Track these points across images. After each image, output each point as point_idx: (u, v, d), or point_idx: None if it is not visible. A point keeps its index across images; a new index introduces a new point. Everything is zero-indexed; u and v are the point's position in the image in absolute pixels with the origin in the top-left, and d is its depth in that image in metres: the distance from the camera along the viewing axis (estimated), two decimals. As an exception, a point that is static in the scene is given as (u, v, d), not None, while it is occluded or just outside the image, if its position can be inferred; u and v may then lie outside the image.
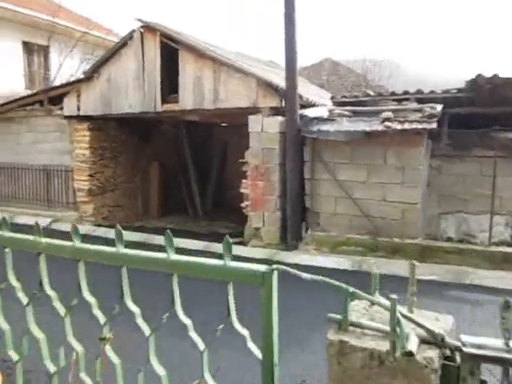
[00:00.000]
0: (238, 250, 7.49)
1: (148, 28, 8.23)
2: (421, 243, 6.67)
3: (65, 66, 16.46)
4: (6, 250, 1.51)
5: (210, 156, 12.23)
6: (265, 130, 7.41)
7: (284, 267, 1.21)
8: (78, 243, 1.37)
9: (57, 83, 15.34)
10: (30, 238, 1.44)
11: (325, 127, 6.96)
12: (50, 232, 9.02)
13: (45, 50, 17.88)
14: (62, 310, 1.47)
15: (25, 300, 1.51)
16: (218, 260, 1.31)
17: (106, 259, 1.41)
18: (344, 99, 8.19)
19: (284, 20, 7.34)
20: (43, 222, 9.58)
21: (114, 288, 1.52)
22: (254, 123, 7.48)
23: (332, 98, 8.62)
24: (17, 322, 1.72)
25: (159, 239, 8.17)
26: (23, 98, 10.30)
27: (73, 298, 1.44)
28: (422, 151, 6.67)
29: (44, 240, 1.42)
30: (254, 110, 7.47)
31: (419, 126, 6.44)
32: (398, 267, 6.05)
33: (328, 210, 7.27)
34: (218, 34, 36.14)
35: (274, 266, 1.17)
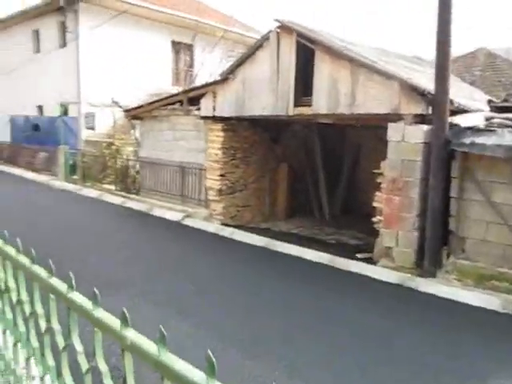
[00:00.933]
0: (366, 269, 6.91)
1: (284, 28, 7.95)
2: None
3: (206, 64, 17.17)
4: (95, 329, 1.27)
5: (341, 158, 11.64)
6: (406, 139, 6.60)
7: None
8: (163, 354, 1.03)
9: (199, 80, 16.13)
10: (116, 326, 1.16)
11: (480, 140, 5.91)
12: (180, 227, 9.49)
13: (190, 49, 18.95)
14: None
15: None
16: None
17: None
18: (506, 103, 6.94)
19: (438, 4, 6.38)
20: (176, 216, 10.09)
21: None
22: (394, 132, 6.72)
23: (489, 101, 7.38)
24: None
25: (282, 246, 7.97)
26: (166, 98, 10.92)
27: None
28: None
29: (130, 334, 1.12)
30: (395, 117, 6.71)
31: None
32: None
33: (477, 236, 6.23)
34: (354, 27, 34.74)
35: None
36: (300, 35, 7.74)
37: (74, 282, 1.40)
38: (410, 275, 6.49)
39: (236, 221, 9.79)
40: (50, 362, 1.64)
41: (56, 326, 1.55)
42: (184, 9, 18.07)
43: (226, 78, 9.02)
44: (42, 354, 1.66)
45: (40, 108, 20.06)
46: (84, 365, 1.36)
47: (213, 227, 9.34)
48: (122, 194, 12.45)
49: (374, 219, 7.18)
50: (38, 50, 19.85)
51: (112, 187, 13.24)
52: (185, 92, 10.18)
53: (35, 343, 1.76)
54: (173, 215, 10.21)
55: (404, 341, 4.63)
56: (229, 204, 9.75)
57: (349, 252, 7.88)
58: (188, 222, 9.81)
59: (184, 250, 7.85)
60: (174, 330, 4.27)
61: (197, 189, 10.36)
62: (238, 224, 9.66)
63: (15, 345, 1.88)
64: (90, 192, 13.13)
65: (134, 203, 11.51)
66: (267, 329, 4.77)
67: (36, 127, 18.78)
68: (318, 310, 5.33)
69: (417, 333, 4.83)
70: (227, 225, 9.48)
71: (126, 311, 1.13)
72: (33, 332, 1.76)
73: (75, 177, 14.73)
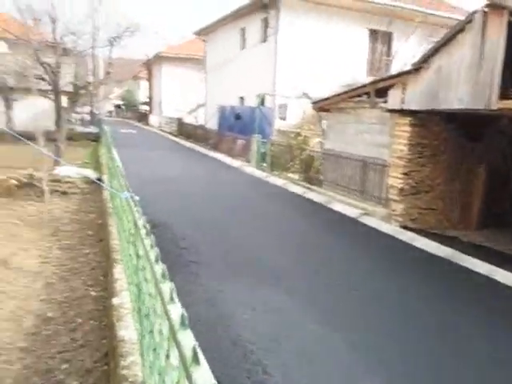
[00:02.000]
0: None
1: (494, 7, 6.74)
2: None
3: (404, 51, 16.08)
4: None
5: None
6: None
7: None
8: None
9: (395, 70, 15.22)
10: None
11: None
12: (356, 224, 9.14)
13: (387, 37, 18.01)
14: None
15: None
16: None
17: None
18: None
19: None
20: (353, 213, 9.76)
21: None
22: None
23: None
24: None
25: (469, 262, 6.93)
26: (353, 89, 10.57)
27: None
28: None
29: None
30: None
31: None
32: None
33: None
34: None
35: None
36: (514, 13, 6.45)
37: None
38: None
39: (417, 224, 8.93)
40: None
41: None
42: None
43: (418, 67, 8.20)
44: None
45: (242, 99, 21.92)
46: None
47: (390, 229, 8.74)
48: (305, 184, 12.70)
49: None
50: (243, 47, 21.62)
51: (296, 177, 13.64)
52: (372, 83, 9.66)
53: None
54: (350, 211, 9.92)
55: None
56: (410, 205, 8.95)
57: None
58: (365, 219, 9.39)
59: (354, 249, 7.52)
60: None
61: (377, 186, 9.82)
62: (418, 227, 8.81)
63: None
64: (276, 180, 13.77)
65: (315, 195, 11.60)
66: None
67: (238, 116, 20.58)
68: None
69: None
70: (406, 227, 8.74)
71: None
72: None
73: (264, 164, 15.66)
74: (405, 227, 8.74)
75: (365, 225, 9.13)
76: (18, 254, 6.34)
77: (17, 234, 7.19)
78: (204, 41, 27.62)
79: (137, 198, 3.29)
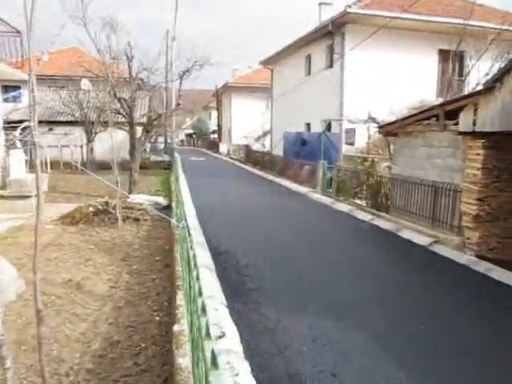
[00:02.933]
0: None
1: None
2: None
3: (477, 70, 15.35)
4: None
5: None
6: None
7: None
8: None
9: (466, 91, 14.56)
10: None
11: None
12: (428, 254, 8.65)
13: (459, 56, 17.30)
14: None
15: None
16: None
17: None
18: None
19: None
20: (424, 240, 9.28)
21: None
22: None
23: None
24: None
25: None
26: (420, 112, 10.21)
27: None
28: None
29: None
30: None
31: None
32: None
33: None
34: None
35: None
36: None
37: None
38: None
39: (496, 254, 8.27)
40: None
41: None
42: (450, 13, 16.68)
43: (490, 86, 7.77)
44: None
45: (308, 125, 22.00)
46: None
47: (464, 258, 8.17)
48: (372, 210, 12.32)
49: None
50: (308, 73, 21.83)
51: (363, 203, 13.30)
52: (440, 105, 9.28)
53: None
54: (420, 239, 9.43)
55: None
56: (487, 233, 8.34)
57: None
58: (436, 248, 8.87)
59: (423, 280, 7.10)
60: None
61: (449, 212, 9.28)
62: (498, 258, 8.15)
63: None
64: (342, 206, 13.50)
65: (382, 221, 11.20)
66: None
67: (303, 142, 20.62)
68: None
69: None
70: (483, 257, 8.12)
71: None
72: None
73: (330, 190, 15.45)
74: (481, 257, 8.13)
75: (436, 253, 8.62)
76: (90, 277, 6.71)
77: (91, 259, 7.63)
78: (270, 69, 28.28)
79: (193, 226, 3.37)
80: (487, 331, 5.20)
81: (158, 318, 5.41)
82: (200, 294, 1.68)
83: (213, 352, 1.18)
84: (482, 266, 7.71)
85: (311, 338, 4.75)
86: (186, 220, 3.37)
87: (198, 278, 1.84)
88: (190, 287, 2.34)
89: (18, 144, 11.87)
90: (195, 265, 2.02)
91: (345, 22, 17.41)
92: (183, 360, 3.58)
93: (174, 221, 5.08)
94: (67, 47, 30.15)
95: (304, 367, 4.17)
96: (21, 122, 12.75)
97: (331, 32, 18.10)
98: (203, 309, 1.53)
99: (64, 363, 4.30)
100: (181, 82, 14.86)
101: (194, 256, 2.17)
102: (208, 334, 1.34)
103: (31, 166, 13.03)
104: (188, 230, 2.97)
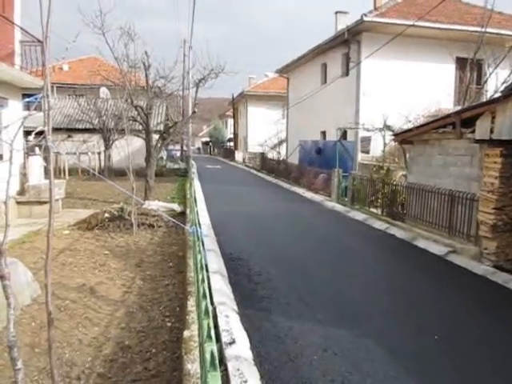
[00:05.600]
0: None
1: None
2: None
3: (496, 78, 15.12)
4: None
5: None
6: None
7: None
8: None
9: (484, 98, 14.36)
10: None
11: None
12: (443, 263, 8.51)
13: (477, 63, 17.08)
14: None
15: None
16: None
17: None
18: None
19: None
20: (440, 250, 9.14)
21: None
22: None
23: None
24: None
25: None
26: (436, 120, 10.11)
27: None
28: None
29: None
30: None
31: None
32: None
33: None
34: None
35: None
36: None
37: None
38: None
39: (514, 264, 8.11)
40: None
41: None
42: (468, 20, 16.53)
43: (508, 94, 7.66)
44: None
45: (323, 133, 21.95)
46: None
47: (482, 269, 8.01)
48: (387, 219, 12.20)
49: None
50: (324, 81, 21.82)
51: (379, 211, 13.17)
52: (457, 113, 9.17)
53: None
54: (436, 248, 9.29)
55: None
56: (505, 243, 8.18)
57: None
58: (452, 258, 8.73)
59: (440, 289, 6.97)
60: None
61: (466, 222, 9.13)
62: (516, 268, 7.98)
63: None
64: (357, 214, 13.40)
65: (398, 230, 11.08)
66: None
67: (319, 151, 20.57)
68: None
69: None
70: (501, 268, 7.96)
71: None
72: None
73: (346, 199, 15.35)
74: (498, 267, 7.96)
75: (452, 263, 8.48)
76: (104, 282, 6.77)
77: (105, 264, 7.70)
78: (286, 78, 28.37)
79: (205, 232, 3.38)
80: (501, 337, 5.08)
81: (169, 324, 5.41)
82: (204, 296, 1.68)
83: (220, 357, 1.18)
84: (501, 278, 7.54)
85: (323, 347, 4.70)
86: (196, 225, 3.38)
87: (203, 281, 1.84)
88: (199, 292, 2.34)
89: (37, 150, 12.09)
90: (201, 267, 2.02)
91: (361, 30, 17.41)
92: (192, 365, 3.57)
93: (187, 227, 5.10)
94: (87, 56, 30.76)
95: (314, 376, 4.13)
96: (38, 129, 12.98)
97: (347, 40, 18.10)
98: (206, 311, 1.53)
99: (75, 367, 4.33)
100: (197, 90, 14.98)
101: (201, 259, 2.17)
102: (210, 337, 1.34)
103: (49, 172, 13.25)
104: (198, 235, 2.98)
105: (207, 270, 2.97)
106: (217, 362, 1.16)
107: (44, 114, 2.90)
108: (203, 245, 2.77)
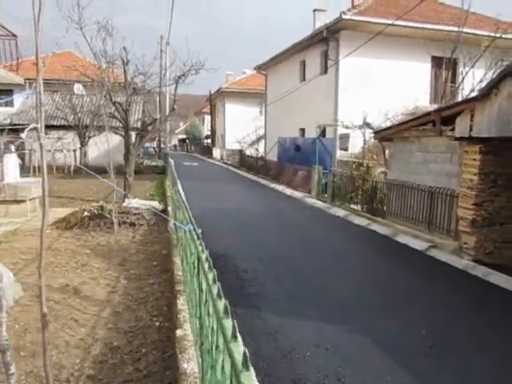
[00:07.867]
0: None
1: None
2: None
3: (471, 77, 15.52)
4: None
5: None
6: None
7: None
8: None
9: (460, 97, 14.69)
10: None
11: None
12: (425, 258, 8.67)
13: (452, 63, 17.47)
14: None
15: None
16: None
17: None
18: None
19: None
20: (420, 245, 9.31)
21: None
22: None
23: None
24: None
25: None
26: (417, 118, 10.29)
27: None
28: None
29: None
30: None
31: None
32: None
33: None
34: None
35: None
36: None
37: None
38: None
39: (493, 258, 8.32)
40: None
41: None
42: (445, 20, 16.87)
43: (486, 93, 7.84)
44: None
45: (302, 130, 22.05)
46: None
47: (462, 263, 8.20)
48: (368, 215, 12.36)
49: None
50: (303, 79, 21.91)
51: (359, 208, 13.33)
52: (437, 111, 9.35)
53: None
54: (417, 243, 9.46)
55: None
56: (484, 238, 8.39)
57: None
58: (433, 252, 8.91)
59: (425, 284, 7.10)
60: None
61: (446, 217, 9.33)
62: (495, 262, 8.19)
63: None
64: (338, 211, 13.53)
65: (379, 226, 11.24)
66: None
67: (298, 148, 20.66)
68: None
69: None
70: (480, 262, 8.17)
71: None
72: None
73: (326, 195, 15.48)
74: (479, 261, 8.17)
75: (433, 258, 8.65)
76: (88, 282, 6.63)
77: (87, 264, 7.54)
78: (264, 74, 28.37)
79: (199, 230, 3.34)
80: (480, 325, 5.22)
81: (157, 323, 5.34)
82: (219, 296, 1.66)
83: (245, 354, 1.16)
84: (481, 271, 7.74)
85: (315, 343, 4.73)
86: (193, 223, 3.34)
87: (215, 281, 1.82)
88: (202, 291, 2.31)
89: (12, 148, 11.74)
90: (210, 267, 2.00)
91: (339, 28, 17.54)
92: (188, 365, 3.53)
93: (180, 224, 5.03)
94: (61, 51, 30.02)
95: (308, 372, 4.15)
96: (15, 125, 12.62)
97: (326, 38, 18.21)
98: (226, 311, 1.50)
99: (64, 369, 4.22)
100: (176, 87, 14.79)
101: (207, 258, 2.15)
102: (234, 336, 1.32)
103: (27, 170, 12.89)
104: (197, 234, 2.94)
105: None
106: (249, 362, 1.14)
107: (36, 111, 2.80)
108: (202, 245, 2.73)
